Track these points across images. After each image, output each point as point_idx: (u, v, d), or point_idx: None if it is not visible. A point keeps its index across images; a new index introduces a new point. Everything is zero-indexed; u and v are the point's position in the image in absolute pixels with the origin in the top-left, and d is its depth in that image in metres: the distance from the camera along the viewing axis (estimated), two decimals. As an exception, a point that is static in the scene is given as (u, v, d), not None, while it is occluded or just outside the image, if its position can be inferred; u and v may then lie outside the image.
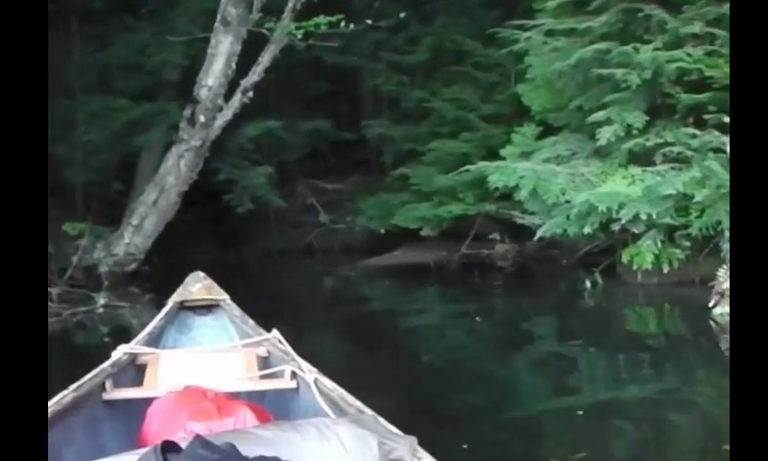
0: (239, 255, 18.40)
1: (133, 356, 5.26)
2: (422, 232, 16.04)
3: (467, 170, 13.65)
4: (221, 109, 14.95)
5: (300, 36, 12.67)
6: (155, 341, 5.86)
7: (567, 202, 11.60)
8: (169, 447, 2.94)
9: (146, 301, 14.11)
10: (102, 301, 12.51)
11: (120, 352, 5.17)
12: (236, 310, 6.43)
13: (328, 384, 4.45)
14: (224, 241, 18.46)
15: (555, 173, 11.69)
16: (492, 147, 15.52)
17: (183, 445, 2.94)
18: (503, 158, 13.67)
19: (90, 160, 16.58)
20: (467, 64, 17.01)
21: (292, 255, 18.86)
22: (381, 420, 3.56)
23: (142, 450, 3.12)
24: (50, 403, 3.92)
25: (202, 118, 14.67)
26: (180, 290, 6.75)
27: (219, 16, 14.51)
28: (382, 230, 17.56)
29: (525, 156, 13.15)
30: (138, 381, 4.98)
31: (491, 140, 15.70)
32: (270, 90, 17.65)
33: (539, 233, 12.40)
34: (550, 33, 12.96)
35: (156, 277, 15.97)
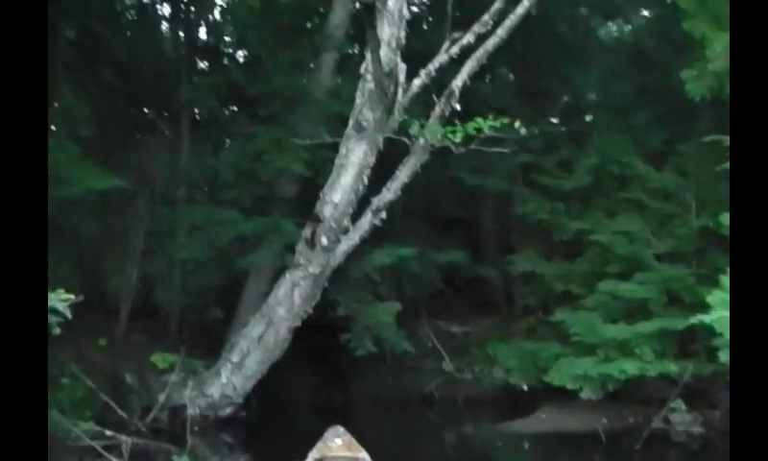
0: (346, 399, 16.11)
1: None
2: (583, 394, 12.96)
3: (700, 321, 9.93)
4: (347, 232, 12.55)
5: (458, 140, 10.10)
6: None
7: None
8: None
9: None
10: None
11: None
12: None
13: None
14: (330, 381, 16.22)
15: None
16: (675, 291, 12.61)
17: None
18: (702, 307, 10.51)
19: (188, 281, 14.30)
20: (635, 191, 14.19)
21: (407, 405, 16.29)
22: None
23: None
24: None
25: (324, 240, 12.28)
26: (319, 444, 6.05)
27: (352, 121, 12.27)
28: (525, 387, 14.58)
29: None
30: None
31: (673, 283, 12.73)
32: (396, 213, 15.33)
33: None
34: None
35: (253, 424, 13.76)
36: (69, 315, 6.79)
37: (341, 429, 6.44)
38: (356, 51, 15.75)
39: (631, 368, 12.19)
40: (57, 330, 6.83)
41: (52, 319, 6.69)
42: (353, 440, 6.30)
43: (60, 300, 6.60)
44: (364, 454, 5.91)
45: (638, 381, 13.02)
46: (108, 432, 10.58)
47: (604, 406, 13.44)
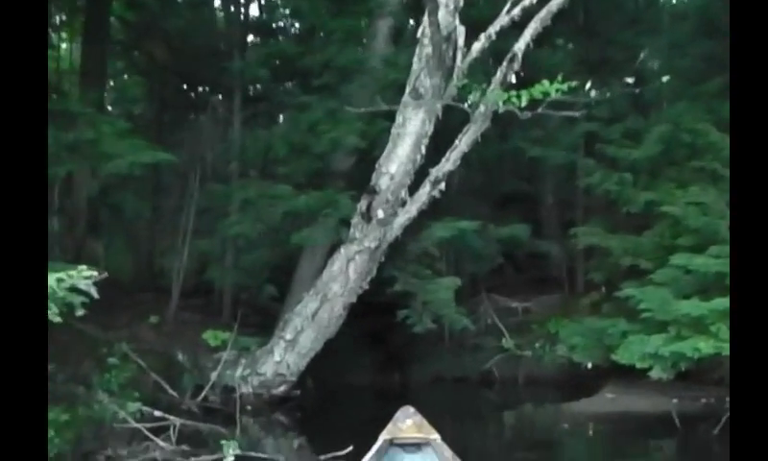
0: (404, 379, 15.71)
1: None
2: (653, 373, 12.25)
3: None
4: (404, 204, 12.02)
5: (524, 104, 9.46)
6: None
7: None
8: None
9: (294, 448, 11.05)
10: (232, 451, 9.06)
11: None
12: (447, 451, 6.42)
13: None
14: (387, 361, 15.86)
15: None
16: (754, 266, 11.82)
17: None
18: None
19: (241, 259, 13.93)
20: (708, 160, 13.37)
21: (466, 384, 15.85)
22: None
23: None
24: None
25: (380, 213, 11.78)
26: (390, 426, 6.84)
27: (409, 88, 11.72)
28: (589, 365, 13.94)
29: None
30: None
31: (752, 257, 11.90)
32: (454, 186, 14.78)
33: None
34: None
35: (308, 404, 13.40)
36: (95, 293, 6.25)
37: (411, 410, 7.07)
38: (412, 21, 15.15)
39: (706, 347, 11.37)
40: (80, 311, 6.31)
41: (75, 298, 6.18)
42: (425, 421, 6.89)
43: (82, 277, 6.04)
44: (436, 436, 6.70)
45: (712, 361, 12.22)
46: (157, 413, 10.18)
47: (674, 387, 12.69)
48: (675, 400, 12.32)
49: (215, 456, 9.17)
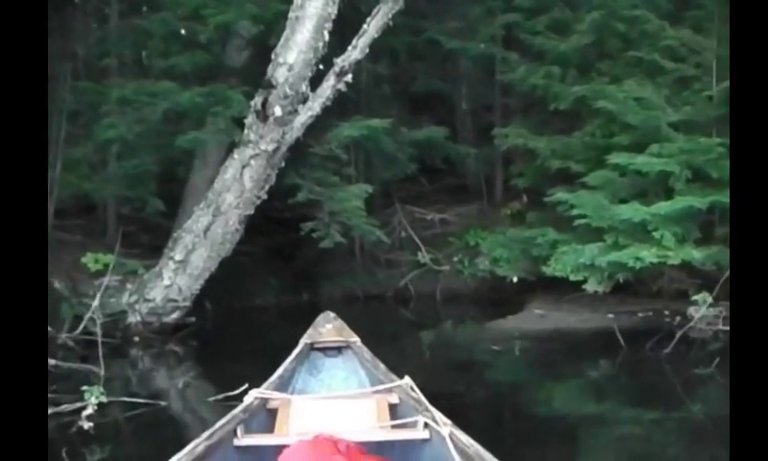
0: (314, 299, 14.46)
1: (265, 401, 5.23)
2: (587, 286, 11.15)
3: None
4: (305, 100, 10.49)
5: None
6: (285, 384, 5.86)
7: None
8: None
9: (183, 384, 9.65)
10: (95, 399, 7.47)
11: (251, 397, 5.11)
12: (367, 353, 6.40)
13: (464, 439, 4.19)
14: (295, 280, 14.75)
15: None
16: (699, 167, 10.75)
17: None
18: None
19: (120, 167, 12.20)
20: (647, 50, 12.10)
21: (380, 302, 14.87)
22: None
23: None
24: (184, 452, 4.04)
25: (277, 110, 10.31)
26: (310, 331, 6.81)
27: (308, -37, 10.05)
28: (515, 279, 12.85)
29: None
30: (269, 426, 5.02)
31: (698, 155, 10.81)
32: (362, 82, 13.37)
33: None
34: None
35: (207, 331, 12.08)
36: None
37: (332, 315, 7.03)
38: None
39: (649, 255, 10.33)
40: None
41: None
42: (345, 325, 6.87)
43: None
44: (356, 339, 6.62)
45: (650, 272, 11.24)
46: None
47: (607, 300, 11.76)
48: (611, 316, 11.29)
49: (79, 404, 7.56)
